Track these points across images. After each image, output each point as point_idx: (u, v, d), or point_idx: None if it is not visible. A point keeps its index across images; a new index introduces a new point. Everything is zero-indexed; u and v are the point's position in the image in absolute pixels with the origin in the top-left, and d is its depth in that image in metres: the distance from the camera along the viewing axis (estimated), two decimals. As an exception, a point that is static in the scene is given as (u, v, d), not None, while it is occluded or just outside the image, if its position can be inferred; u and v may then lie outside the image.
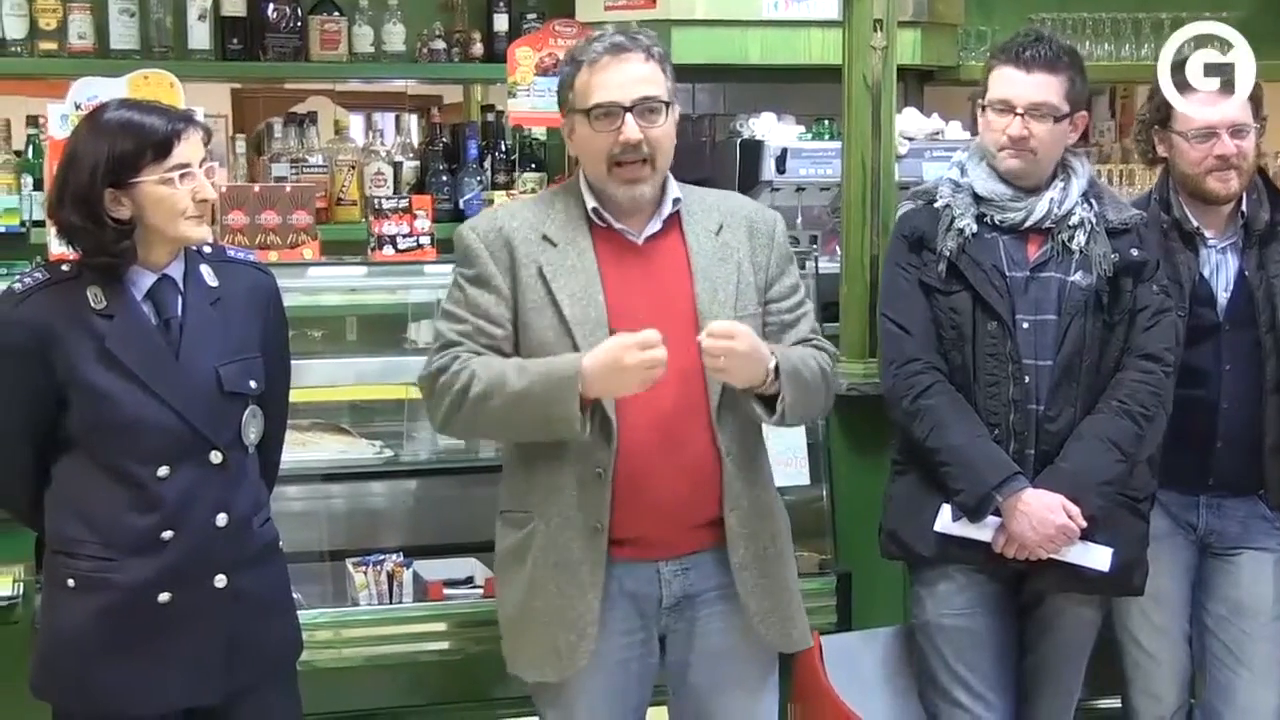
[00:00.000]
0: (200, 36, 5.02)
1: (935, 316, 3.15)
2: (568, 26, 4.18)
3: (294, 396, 2.99)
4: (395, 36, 5.24)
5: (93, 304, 2.66)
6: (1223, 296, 3.34)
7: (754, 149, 4.81)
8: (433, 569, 3.57)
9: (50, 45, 4.90)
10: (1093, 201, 3.17)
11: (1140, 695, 3.47)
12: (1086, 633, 3.29)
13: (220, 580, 2.70)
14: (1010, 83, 3.12)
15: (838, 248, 3.95)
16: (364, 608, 3.47)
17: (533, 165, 5.22)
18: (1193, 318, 3.29)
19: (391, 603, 3.49)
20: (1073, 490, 3.06)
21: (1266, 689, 3.38)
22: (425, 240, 3.68)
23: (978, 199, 3.17)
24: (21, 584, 3.22)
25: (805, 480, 3.62)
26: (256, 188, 3.86)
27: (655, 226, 2.84)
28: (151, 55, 4.91)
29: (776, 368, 2.74)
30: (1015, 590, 3.22)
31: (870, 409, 3.46)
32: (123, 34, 4.93)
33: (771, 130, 4.88)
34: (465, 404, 2.73)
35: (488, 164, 5.30)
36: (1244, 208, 3.36)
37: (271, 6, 5.09)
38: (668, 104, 2.79)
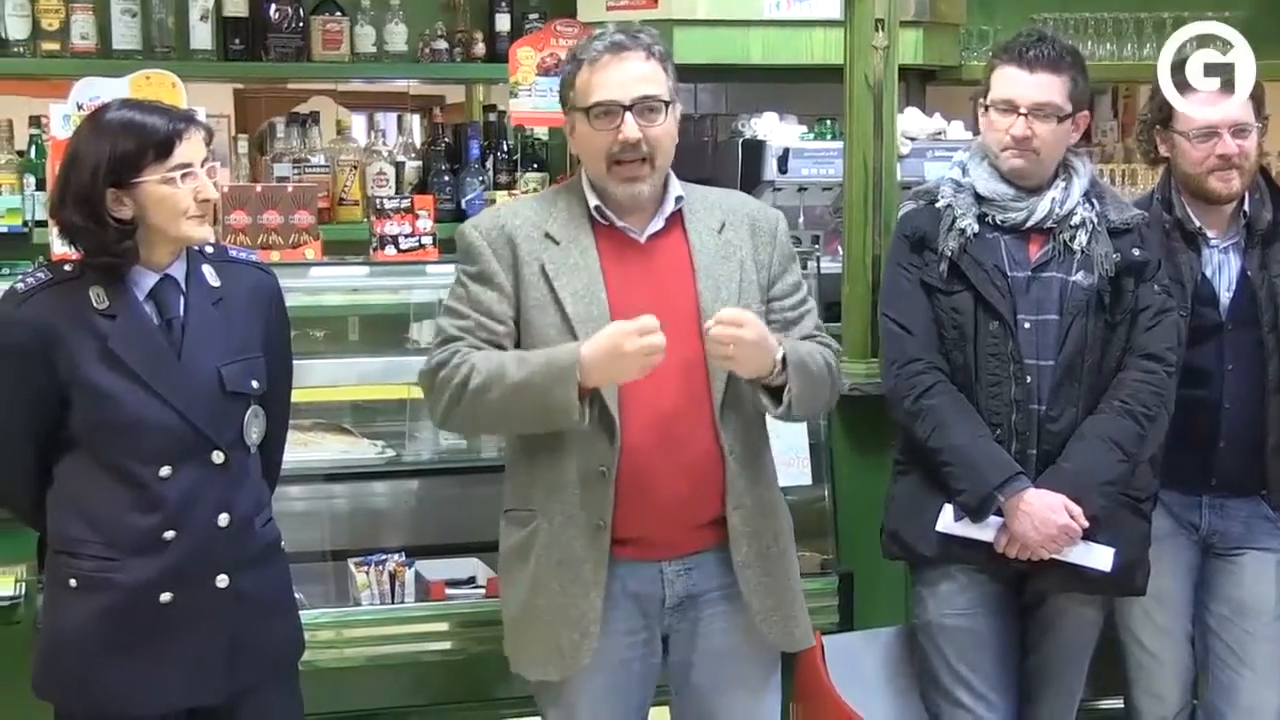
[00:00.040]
0: (202, 37, 5.01)
1: (937, 316, 3.15)
2: (569, 26, 4.17)
3: (296, 396, 2.98)
4: (397, 36, 5.23)
5: (95, 304, 2.65)
6: (1225, 296, 3.34)
7: (756, 149, 4.81)
8: (435, 569, 3.57)
9: (52, 45, 4.89)
10: (1094, 201, 3.17)
11: (1143, 696, 3.47)
12: (1089, 633, 3.29)
13: (222, 580, 2.70)
14: (1013, 82, 3.12)
15: (839, 248, 3.95)
16: (366, 608, 3.46)
17: (535, 165, 5.21)
18: (1195, 318, 3.29)
19: (393, 603, 3.49)
20: (1075, 490, 3.06)
21: (1269, 689, 3.38)
22: (427, 240, 3.67)
23: (979, 199, 3.16)
24: (24, 584, 3.22)
25: (807, 480, 3.62)
26: (259, 188, 3.85)
27: (658, 225, 2.84)
28: (153, 55, 4.90)
29: (784, 359, 2.73)
30: (1017, 590, 3.22)
31: (872, 409, 3.47)
32: (125, 34, 4.92)
33: (773, 130, 4.87)
34: (465, 397, 2.72)
35: (490, 164, 5.30)
36: (1246, 207, 3.36)
37: (273, 7, 5.08)
38: (668, 103, 2.78)
